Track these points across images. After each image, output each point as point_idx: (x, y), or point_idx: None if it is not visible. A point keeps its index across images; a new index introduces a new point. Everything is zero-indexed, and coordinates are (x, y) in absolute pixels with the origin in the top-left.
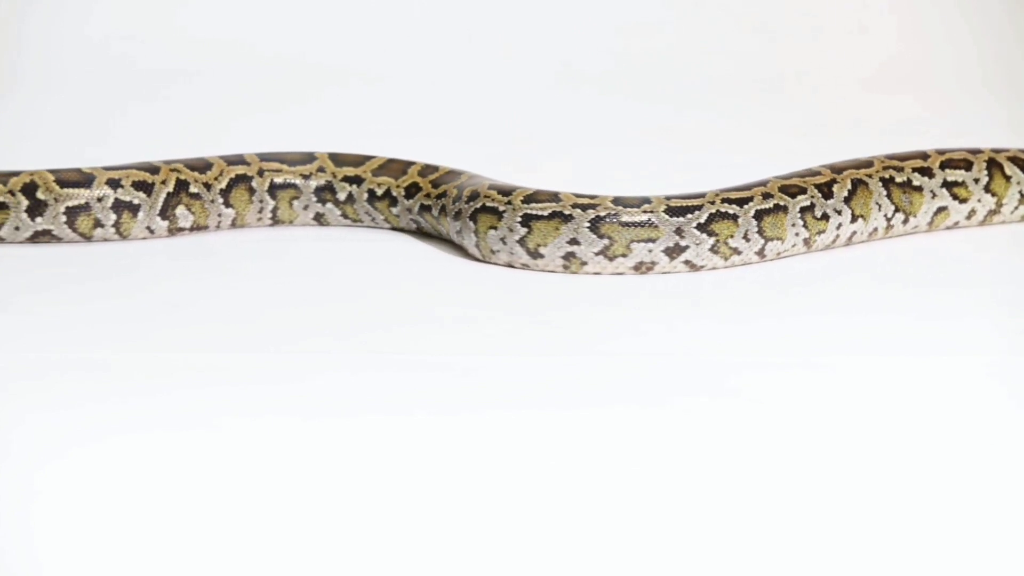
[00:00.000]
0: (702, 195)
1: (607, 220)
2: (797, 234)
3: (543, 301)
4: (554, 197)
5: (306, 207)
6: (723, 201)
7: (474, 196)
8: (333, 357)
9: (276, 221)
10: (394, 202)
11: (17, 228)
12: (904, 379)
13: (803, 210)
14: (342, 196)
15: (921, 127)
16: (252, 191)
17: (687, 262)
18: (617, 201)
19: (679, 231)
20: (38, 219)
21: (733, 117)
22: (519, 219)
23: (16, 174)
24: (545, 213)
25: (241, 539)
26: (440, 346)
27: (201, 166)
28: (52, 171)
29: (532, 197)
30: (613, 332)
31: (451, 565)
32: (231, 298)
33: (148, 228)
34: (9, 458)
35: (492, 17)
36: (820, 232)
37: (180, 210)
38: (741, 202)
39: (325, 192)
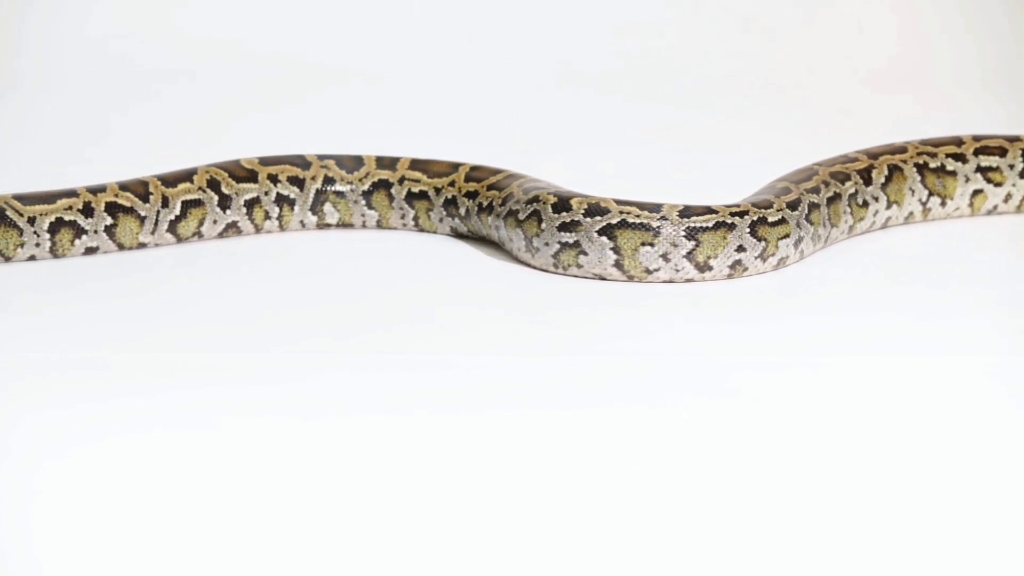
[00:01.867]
0: (787, 190)
1: (760, 223)
2: (846, 221)
3: (543, 301)
4: (708, 209)
5: (441, 219)
6: (807, 191)
7: (599, 211)
8: (333, 357)
9: (420, 229)
10: (491, 213)
11: (215, 222)
12: (904, 379)
13: (850, 197)
14: (463, 211)
15: (921, 127)
16: (392, 197)
17: (801, 252)
18: (756, 204)
19: (798, 224)
20: (228, 211)
21: (733, 117)
22: (683, 233)
23: (194, 171)
24: (710, 224)
25: (241, 539)
26: (440, 346)
27: (352, 165)
28: (218, 166)
29: (687, 210)
30: (613, 332)
31: (451, 565)
32: (231, 298)
33: (301, 222)
34: (9, 458)
35: (492, 17)
36: (861, 219)
37: (327, 207)
38: (816, 190)
39: (451, 206)
